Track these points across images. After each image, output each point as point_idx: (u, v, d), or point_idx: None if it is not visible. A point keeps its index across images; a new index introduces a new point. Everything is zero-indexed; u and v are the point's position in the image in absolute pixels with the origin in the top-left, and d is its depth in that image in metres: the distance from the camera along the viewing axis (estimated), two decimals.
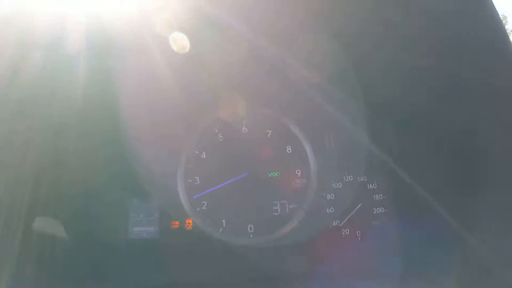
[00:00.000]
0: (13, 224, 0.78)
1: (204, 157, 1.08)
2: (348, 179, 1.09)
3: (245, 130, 1.09)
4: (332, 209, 1.07)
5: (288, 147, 1.09)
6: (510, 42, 0.69)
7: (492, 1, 0.70)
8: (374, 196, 1.09)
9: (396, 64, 0.92)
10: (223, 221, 1.05)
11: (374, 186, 1.09)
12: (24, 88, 0.76)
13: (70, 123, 0.91)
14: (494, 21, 0.70)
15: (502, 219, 0.78)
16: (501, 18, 0.72)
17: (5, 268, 0.76)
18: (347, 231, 1.06)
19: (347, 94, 1.03)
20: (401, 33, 0.85)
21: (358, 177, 1.09)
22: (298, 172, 1.07)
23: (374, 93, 1.02)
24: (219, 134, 1.09)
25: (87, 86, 0.87)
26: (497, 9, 0.70)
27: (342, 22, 0.88)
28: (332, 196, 1.07)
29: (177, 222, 1.06)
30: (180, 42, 0.88)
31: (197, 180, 1.06)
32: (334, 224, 1.06)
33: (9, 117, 0.76)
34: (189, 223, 1.05)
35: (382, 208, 1.08)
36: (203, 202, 1.06)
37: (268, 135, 1.09)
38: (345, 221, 1.06)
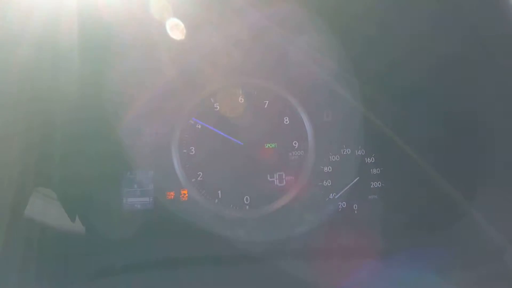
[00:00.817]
0: (5, 201, 0.77)
1: (200, 127, 1.06)
2: (346, 152, 1.07)
3: (241, 100, 1.07)
4: (329, 182, 1.06)
5: (286, 118, 1.07)
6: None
7: None
8: (371, 170, 1.08)
9: (394, 34, 0.90)
10: (219, 192, 1.04)
11: (372, 160, 1.08)
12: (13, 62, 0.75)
13: (62, 95, 0.89)
14: None
15: (504, 192, 0.77)
16: None
17: None
18: (343, 204, 1.05)
19: (345, 66, 1.01)
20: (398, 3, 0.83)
21: (356, 151, 1.08)
22: (295, 143, 1.06)
23: (373, 66, 1.00)
24: (215, 104, 1.06)
25: (81, 60, 0.85)
26: None
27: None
28: (330, 169, 1.06)
29: (172, 193, 1.04)
30: (176, 25, 0.86)
31: (192, 150, 1.05)
32: (331, 197, 1.05)
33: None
34: (184, 193, 1.04)
35: (380, 182, 1.07)
36: (199, 172, 1.04)
37: (265, 106, 1.06)
38: (341, 193, 1.05)
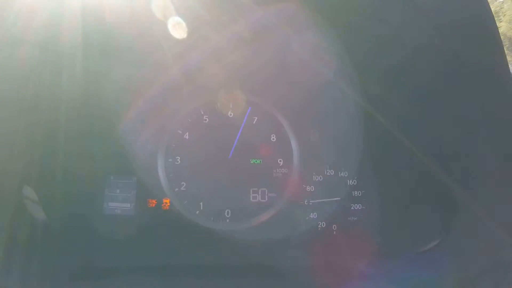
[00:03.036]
0: None
1: (187, 137, 1.06)
2: (329, 173, 1.09)
3: (231, 115, 1.08)
4: (310, 201, 1.07)
5: (273, 136, 1.08)
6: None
7: None
8: (353, 192, 1.09)
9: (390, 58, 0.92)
10: (201, 203, 1.04)
11: (354, 182, 1.10)
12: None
13: (49, 100, 0.89)
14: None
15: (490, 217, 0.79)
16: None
17: None
18: (323, 224, 1.07)
19: (336, 86, 1.04)
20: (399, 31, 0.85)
21: (339, 172, 1.10)
22: (280, 161, 1.07)
23: (366, 88, 1.02)
24: (205, 116, 1.07)
25: (71, 66, 0.85)
26: None
27: (336, 15, 0.87)
28: (312, 188, 1.08)
29: (154, 201, 1.04)
30: (174, 28, 0.87)
31: (177, 159, 1.05)
32: (311, 216, 1.06)
33: None
34: (166, 202, 1.04)
35: (360, 204, 1.09)
36: (182, 182, 1.04)
37: (254, 122, 1.08)
38: (322, 214, 1.07)
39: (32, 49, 0.78)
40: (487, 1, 0.67)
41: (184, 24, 0.86)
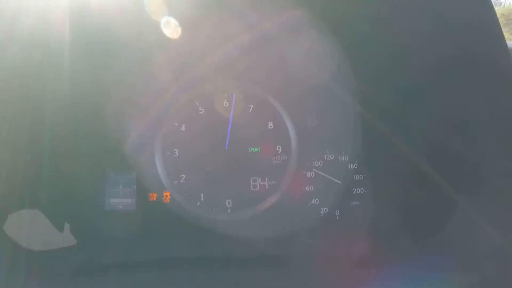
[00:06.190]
0: None
1: (184, 129, 1.06)
2: (329, 158, 1.08)
3: (226, 104, 1.07)
4: (311, 187, 1.06)
5: (270, 123, 1.07)
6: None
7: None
8: (354, 176, 1.08)
9: (388, 42, 0.90)
10: (201, 195, 1.04)
11: (355, 166, 1.09)
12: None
13: (46, 97, 0.89)
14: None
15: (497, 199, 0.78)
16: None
17: None
18: (325, 209, 1.06)
19: (333, 72, 1.02)
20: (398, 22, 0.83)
21: (339, 156, 1.08)
22: (279, 148, 1.06)
23: (361, 74, 1.00)
24: (200, 107, 1.07)
25: (65, 63, 0.85)
26: None
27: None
28: (312, 174, 1.07)
29: (154, 195, 1.04)
30: (167, 23, 0.86)
31: (175, 152, 1.05)
32: (313, 202, 1.06)
33: None
34: (166, 195, 1.04)
35: (362, 188, 1.08)
36: (181, 175, 1.04)
37: (250, 110, 1.07)
38: (323, 199, 1.06)
39: (21, 49, 0.78)
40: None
41: (176, 20, 0.86)
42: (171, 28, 0.88)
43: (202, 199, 1.04)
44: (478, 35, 0.73)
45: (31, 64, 0.80)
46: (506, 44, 0.69)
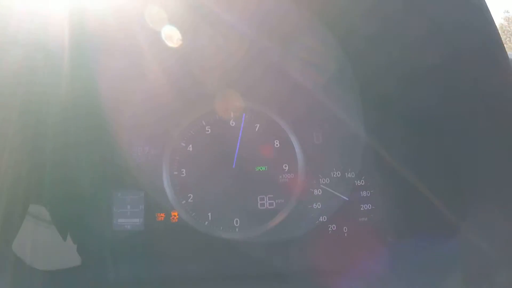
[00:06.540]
0: None
1: (191, 149, 1.06)
2: (336, 175, 1.08)
3: (232, 124, 1.08)
4: (319, 205, 1.06)
5: (276, 142, 1.08)
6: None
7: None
8: (361, 192, 1.08)
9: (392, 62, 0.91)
10: (209, 214, 1.04)
11: (362, 182, 1.09)
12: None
13: (54, 117, 0.90)
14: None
15: (495, 209, 0.77)
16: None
17: None
18: (333, 227, 1.06)
19: (338, 89, 1.03)
20: (399, 31, 0.84)
21: (346, 173, 1.08)
22: (285, 166, 1.07)
23: (369, 89, 1.01)
24: (207, 127, 1.07)
25: (72, 79, 0.86)
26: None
27: (336, 17, 0.87)
28: (319, 192, 1.07)
29: (162, 214, 1.04)
30: (170, 36, 0.87)
31: (183, 172, 1.05)
32: (321, 220, 1.06)
33: None
34: (174, 215, 1.04)
35: (369, 204, 1.08)
36: (189, 194, 1.04)
37: (256, 129, 1.08)
38: (331, 216, 1.06)
39: (24, 52, 0.77)
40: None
41: (178, 32, 0.87)
42: (174, 43, 0.89)
43: (210, 219, 1.04)
44: (475, 37, 0.73)
45: (32, 69, 0.79)
46: (502, 44, 0.69)
